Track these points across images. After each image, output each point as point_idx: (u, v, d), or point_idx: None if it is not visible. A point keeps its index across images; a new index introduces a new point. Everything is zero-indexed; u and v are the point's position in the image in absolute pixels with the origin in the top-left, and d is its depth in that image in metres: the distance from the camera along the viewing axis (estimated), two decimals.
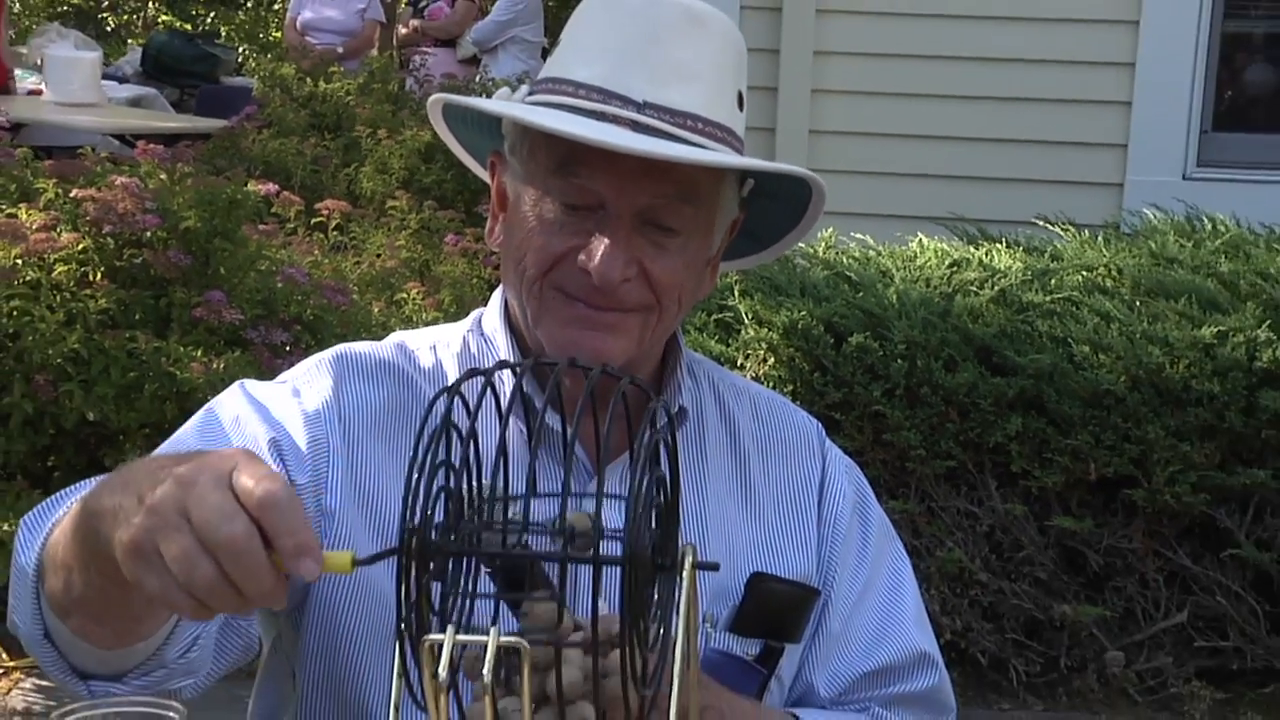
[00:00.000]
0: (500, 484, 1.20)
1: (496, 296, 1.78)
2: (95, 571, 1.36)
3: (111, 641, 1.44)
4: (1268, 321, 4.40)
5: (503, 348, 1.74)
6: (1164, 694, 4.57)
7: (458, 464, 1.17)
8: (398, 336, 1.81)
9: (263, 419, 1.66)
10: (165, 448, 1.65)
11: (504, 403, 1.21)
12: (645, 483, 1.14)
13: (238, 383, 1.74)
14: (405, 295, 5.11)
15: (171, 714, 1.38)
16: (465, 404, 1.18)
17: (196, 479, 1.22)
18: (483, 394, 1.18)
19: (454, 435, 1.17)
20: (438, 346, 1.78)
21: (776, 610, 1.70)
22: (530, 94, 1.67)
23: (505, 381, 1.64)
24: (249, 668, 1.85)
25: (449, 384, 1.20)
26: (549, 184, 1.62)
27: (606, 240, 1.59)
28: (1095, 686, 4.58)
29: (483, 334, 1.77)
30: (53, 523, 1.47)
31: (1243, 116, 6.66)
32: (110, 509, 1.29)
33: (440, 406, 1.17)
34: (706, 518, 1.73)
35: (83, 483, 1.53)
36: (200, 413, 1.71)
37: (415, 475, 1.13)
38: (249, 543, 1.19)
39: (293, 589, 1.66)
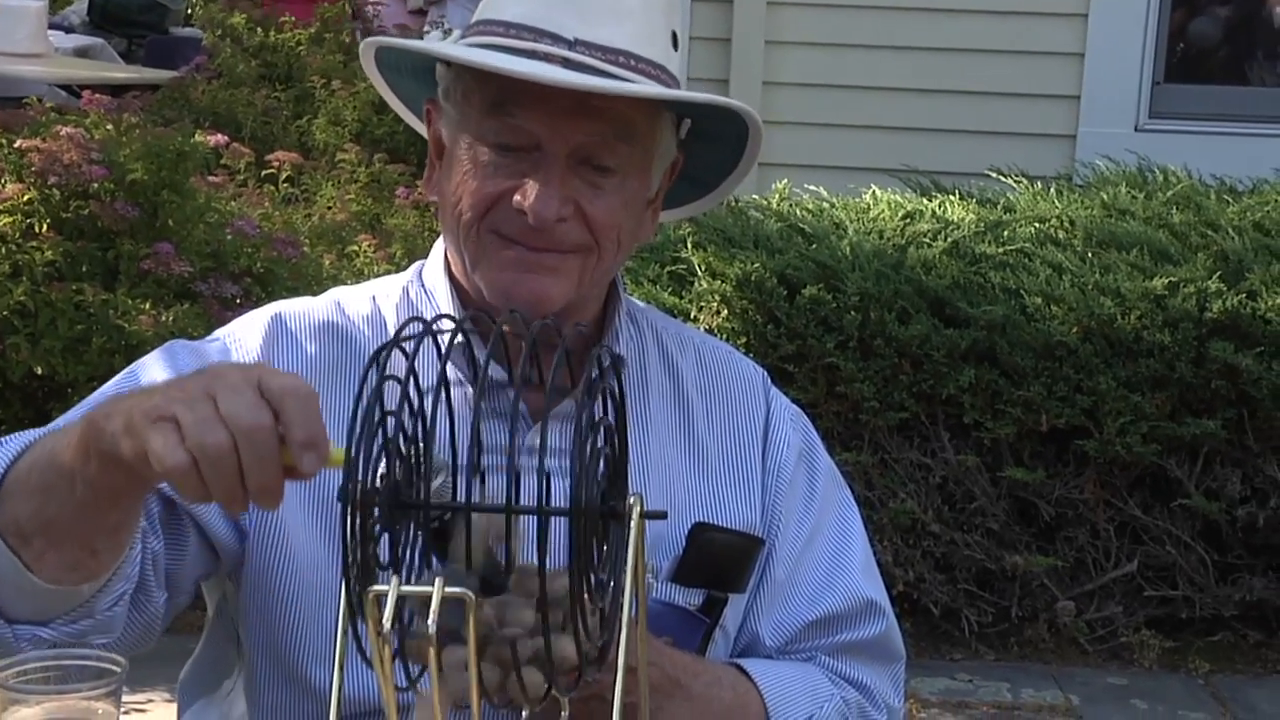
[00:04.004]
0: (443, 437, 1.19)
1: (437, 247, 1.77)
2: (83, 480, 1.36)
3: (61, 573, 1.44)
4: (1218, 273, 4.42)
5: (443, 298, 1.72)
6: (1114, 643, 4.62)
7: (398, 415, 1.15)
8: (336, 292, 1.80)
9: None
10: (89, 402, 1.64)
11: (444, 358, 1.20)
12: (589, 429, 1.13)
13: (168, 343, 1.73)
14: (357, 248, 5.07)
15: (114, 666, 1.37)
16: (405, 354, 1.17)
17: (224, 374, 1.29)
18: (419, 342, 1.17)
19: (394, 387, 1.16)
20: (377, 297, 1.77)
21: (719, 560, 1.70)
22: (462, 37, 1.66)
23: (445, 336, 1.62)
24: (198, 622, 1.84)
25: (389, 334, 1.19)
26: (483, 126, 1.61)
27: (541, 180, 1.59)
28: (1046, 636, 4.61)
29: (423, 284, 1.76)
30: (9, 458, 1.46)
31: (1195, 68, 6.67)
32: (122, 408, 1.32)
33: (381, 358, 1.15)
34: (648, 467, 1.72)
35: (23, 433, 1.51)
36: (123, 373, 1.70)
37: (358, 427, 1.12)
38: (269, 434, 1.24)
39: (231, 549, 1.65)
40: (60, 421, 1.56)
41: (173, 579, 1.62)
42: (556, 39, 1.58)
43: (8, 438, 1.53)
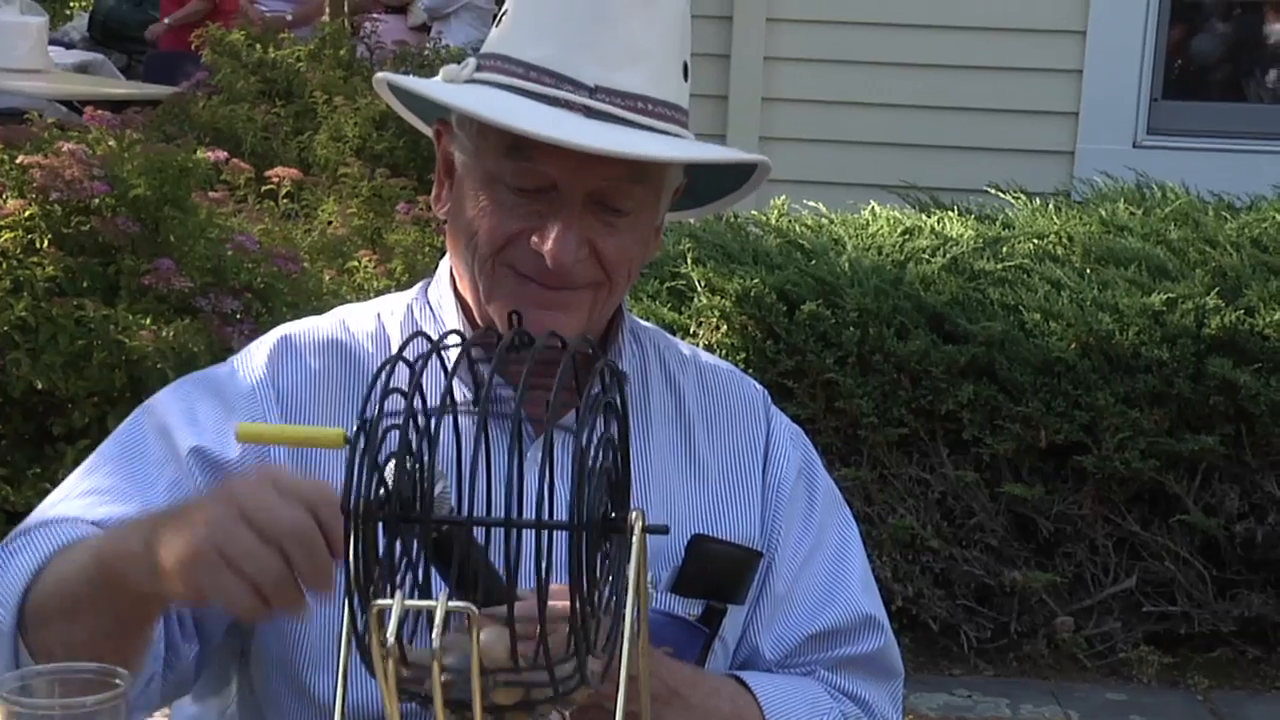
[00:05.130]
0: (447, 448, 1.20)
1: (443, 265, 1.78)
2: (111, 616, 1.41)
3: None
4: (1216, 289, 4.43)
5: (450, 315, 1.74)
6: (1113, 659, 4.61)
7: (402, 427, 1.16)
8: (341, 311, 1.82)
9: (187, 424, 1.68)
10: (92, 468, 1.69)
11: (451, 371, 1.21)
12: (591, 441, 1.13)
13: (174, 384, 1.76)
14: (357, 263, 5.08)
15: (116, 680, 1.38)
16: (410, 367, 1.18)
17: (239, 488, 1.31)
18: (428, 358, 1.17)
19: (399, 400, 1.16)
20: (382, 314, 1.78)
21: (717, 571, 1.71)
22: (478, 69, 1.66)
23: (452, 352, 1.64)
24: None
25: (393, 351, 1.19)
26: (499, 165, 1.62)
27: (559, 223, 1.60)
28: (1045, 652, 4.61)
29: (428, 301, 1.78)
30: (24, 583, 1.49)
31: (1193, 85, 6.69)
32: (136, 548, 1.36)
33: (387, 371, 1.16)
34: (650, 481, 1.74)
35: (27, 542, 1.56)
36: (129, 424, 1.73)
37: (360, 442, 1.13)
38: (311, 529, 1.27)
39: None
40: (61, 510, 1.58)
41: (203, 628, 1.65)
42: (577, 86, 1.58)
43: (11, 547, 1.55)
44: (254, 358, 1.74)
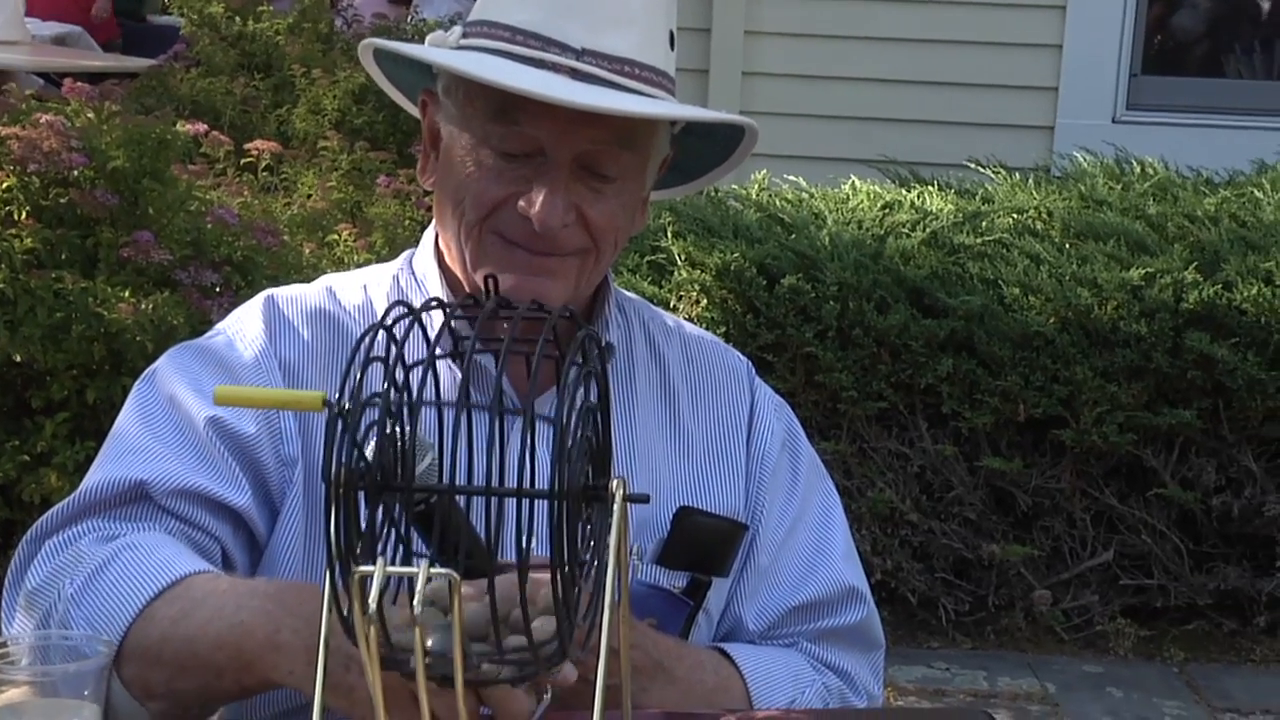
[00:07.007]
0: (430, 419, 1.20)
1: (428, 236, 1.78)
2: (234, 682, 1.45)
3: None
4: (1194, 263, 4.44)
5: (434, 285, 1.74)
6: (1090, 631, 4.64)
7: (384, 395, 1.16)
8: (327, 279, 1.81)
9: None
10: (115, 440, 1.67)
11: (433, 340, 1.21)
12: (573, 410, 1.14)
13: (170, 354, 1.73)
14: (336, 237, 5.06)
15: (100, 646, 1.38)
16: (393, 338, 1.18)
17: None
18: (410, 328, 1.18)
19: (382, 370, 1.16)
20: (368, 286, 1.78)
21: (703, 543, 1.71)
22: (464, 36, 1.66)
23: (435, 320, 1.64)
24: None
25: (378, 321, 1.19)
26: (487, 130, 1.62)
27: (546, 187, 1.60)
28: (1023, 625, 4.63)
29: (413, 272, 1.77)
30: (130, 617, 1.48)
31: (1172, 60, 6.70)
32: (287, 645, 1.39)
33: (369, 341, 1.16)
34: (634, 452, 1.74)
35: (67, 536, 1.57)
36: (136, 396, 1.71)
37: (341, 408, 1.13)
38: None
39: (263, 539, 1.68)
40: (157, 565, 1.54)
41: None
42: (564, 48, 1.59)
43: (95, 562, 1.53)
44: (247, 326, 1.72)
